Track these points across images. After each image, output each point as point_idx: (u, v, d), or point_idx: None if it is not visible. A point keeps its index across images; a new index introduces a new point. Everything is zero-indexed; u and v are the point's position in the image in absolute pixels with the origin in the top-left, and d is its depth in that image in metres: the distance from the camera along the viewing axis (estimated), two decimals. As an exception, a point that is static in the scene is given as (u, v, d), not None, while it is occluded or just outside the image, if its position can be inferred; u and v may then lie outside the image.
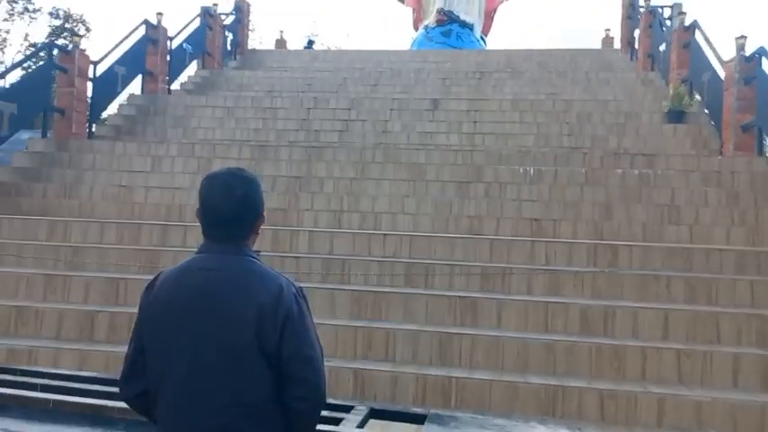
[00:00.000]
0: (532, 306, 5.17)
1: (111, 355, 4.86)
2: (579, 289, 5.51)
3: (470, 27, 22.90)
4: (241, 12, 15.61)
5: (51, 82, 9.10)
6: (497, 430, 2.41)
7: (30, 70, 12.61)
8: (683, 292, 5.38)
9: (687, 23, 10.93)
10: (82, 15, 31.26)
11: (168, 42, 12.21)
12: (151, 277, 2.08)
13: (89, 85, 9.70)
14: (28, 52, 27.60)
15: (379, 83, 12.68)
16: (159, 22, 11.77)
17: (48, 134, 9.29)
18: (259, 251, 2.20)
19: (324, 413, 2.83)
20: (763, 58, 8.36)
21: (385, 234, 6.42)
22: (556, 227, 6.92)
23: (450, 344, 4.82)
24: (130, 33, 10.96)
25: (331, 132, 10.03)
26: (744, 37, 8.67)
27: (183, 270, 2.02)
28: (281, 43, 19.78)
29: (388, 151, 8.78)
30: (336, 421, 2.61)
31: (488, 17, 24.41)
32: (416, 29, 23.64)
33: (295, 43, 22.50)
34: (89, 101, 9.76)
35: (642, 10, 13.52)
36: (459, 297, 5.28)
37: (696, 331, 4.96)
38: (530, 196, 7.59)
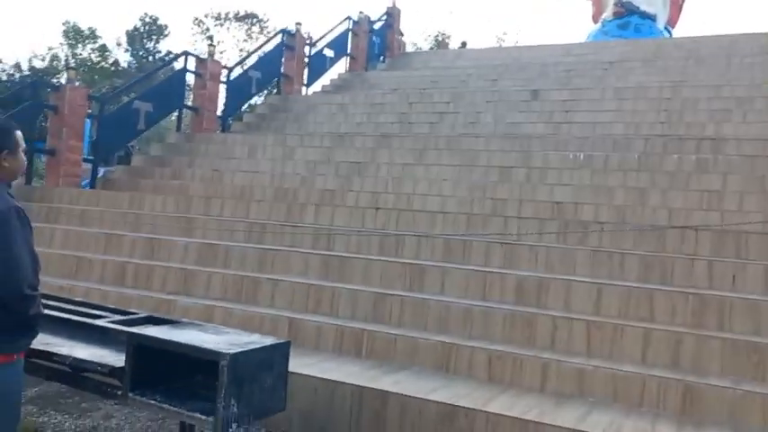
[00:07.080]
0: (473, 275, 5.37)
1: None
2: (533, 262, 5.55)
3: (652, 18, 21.64)
4: (391, 17, 16.67)
5: (184, 85, 10.80)
6: (215, 331, 2.95)
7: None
8: (636, 270, 5.17)
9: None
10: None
11: (308, 48, 13.69)
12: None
13: (221, 87, 11.39)
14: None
15: (501, 77, 12.87)
16: (297, 30, 13.26)
17: (181, 129, 11.14)
18: (10, 185, 2.98)
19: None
20: None
21: (377, 209, 6.92)
22: (577, 209, 6.83)
23: (384, 303, 5.25)
24: (265, 42, 12.55)
25: (424, 125, 10.56)
26: None
27: None
28: (442, 45, 20.59)
29: (450, 139, 9.13)
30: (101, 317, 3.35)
31: (675, 6, 22.75)
32: (596, 22, 22.90)
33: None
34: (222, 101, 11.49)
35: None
36: (411, 263, 5.65)
37: (629, 307, 4.80)
38: (569, 181, 7.50)
